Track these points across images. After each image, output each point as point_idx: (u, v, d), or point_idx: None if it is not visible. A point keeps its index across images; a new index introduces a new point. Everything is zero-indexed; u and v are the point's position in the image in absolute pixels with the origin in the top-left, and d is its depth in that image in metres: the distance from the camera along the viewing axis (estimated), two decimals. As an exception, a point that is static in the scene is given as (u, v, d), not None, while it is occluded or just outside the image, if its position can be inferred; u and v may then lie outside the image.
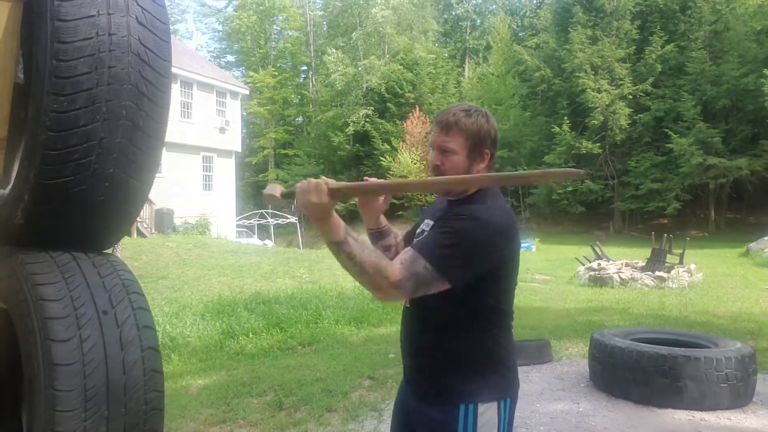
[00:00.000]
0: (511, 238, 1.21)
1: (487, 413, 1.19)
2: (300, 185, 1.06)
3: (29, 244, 1.22)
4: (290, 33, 37.76)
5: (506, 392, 1.23)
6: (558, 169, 1.02)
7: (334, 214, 1.09)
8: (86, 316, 1.10)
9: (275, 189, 1.12)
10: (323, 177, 1.09)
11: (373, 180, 1.24)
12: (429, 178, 1.21)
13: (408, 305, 1.28)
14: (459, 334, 1.21)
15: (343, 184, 1.10)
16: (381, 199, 1.36)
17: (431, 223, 1.29)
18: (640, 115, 22.37)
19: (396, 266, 1.09)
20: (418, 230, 1.35)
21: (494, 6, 39.30)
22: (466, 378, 1.20)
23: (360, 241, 1.10)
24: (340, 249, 1.08)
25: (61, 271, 1.15)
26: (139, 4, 1.14)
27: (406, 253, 1.13)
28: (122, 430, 1.12)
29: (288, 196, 1.12)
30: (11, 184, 1.22)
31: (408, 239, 1.40)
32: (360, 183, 1.15)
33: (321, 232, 1.09)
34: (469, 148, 1.22)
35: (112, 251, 1.38)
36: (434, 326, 1.23)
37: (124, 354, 1.12)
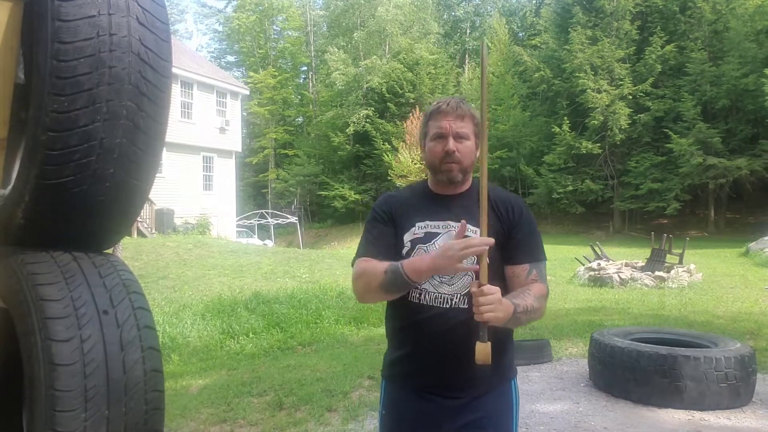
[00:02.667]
0: None
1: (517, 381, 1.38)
2: (491, 317, 1.11)
3: (30, 244, 1.22)
4: (290, 33, 37.75)
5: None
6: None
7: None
8: (87, 316, 1.10)
9: (486, 357, 1.13)
10: (484, 287, 1.11)
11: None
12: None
13: (463, 306, 1.23)
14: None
15: (484, 268, 1.13)
16: None
17: (450, 225, 1.26)
18: (639, 116, 22.37)
19: (539, 284, 1.26)
20: (416, 234, 1.28)
21: (492, 7, 39.30)
22: (511, 356, 1.35)
23: (514, 295, 1.21)
24: (517, 315, 1.17)
25: (62, 271, 1.15)
26: (139, 5, 1.14)
27: (539, 264, 1.29)
28: (123, 430, 1.12)
29: (485, 336, 1.14)
30: (12, 184, 1.23)
31: (388, 250, 1.29)
32: (484, 222, 1.16)
33: (503, 321, 1.15)
34: (475, 134, 1.31)
35: (113, 251, 1.38)
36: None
37: (124, 354, 1.12)
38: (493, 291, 1.11)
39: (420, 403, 1.28)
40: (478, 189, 1.27)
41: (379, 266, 1.23)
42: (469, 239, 1.15)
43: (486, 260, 1.14)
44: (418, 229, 1.29)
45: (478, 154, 1.31)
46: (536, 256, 1.30)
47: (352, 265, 1.33)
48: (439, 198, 1.33)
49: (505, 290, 1.26)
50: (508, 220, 1.29)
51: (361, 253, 1.32)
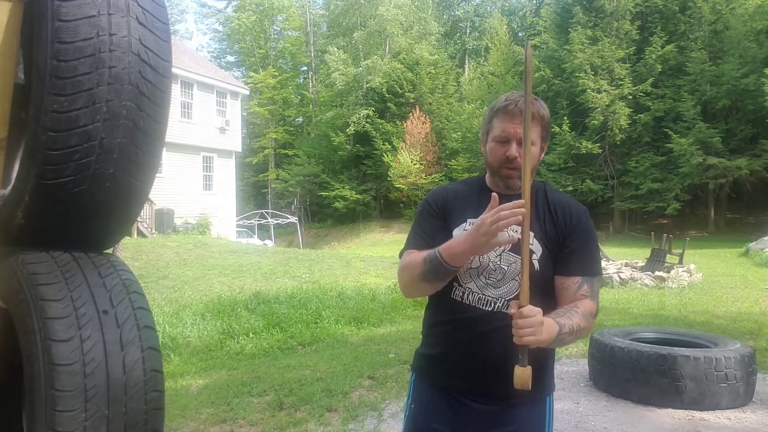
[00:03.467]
0: None
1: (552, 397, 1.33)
2: (532, 341, 1.05)
3: (29, 244, 1.22)
4: (290, 33, 37.74)
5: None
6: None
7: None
8: (86, 315, 1.10)
9: (526, 383, 1.08)
10: (531, 308, 1.06)
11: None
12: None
13: (506, 311, 1.16)
14: None
15: (525, 289, 1.07)
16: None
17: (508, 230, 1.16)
18: (639, 116, 22.38)
19: (589, 302, 1.19)
20: (466, 231, 1.20)
21: (492, 7, 39.30)
22: (550, 370, 1.30)
23: (557, 314, 1.14)
24: (560, 336, 1.11)
25: (62, 271, 1.15)
26: (139, 5, 1.14)
27: (591, 280, 1.21)
28: (123, 430, 1.11)
29: (525, 360, 1.08)
30: (11, 184, 1.23)
31: (437, 242, 1.22)
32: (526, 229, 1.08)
33: (545, 343, 1.09)
34: (542, 138, 1.23)
35: (113, 251, 1.38)
36: None
37: (124, 354, 1.12)
38: (534, 313, 1.05)
39: (452, 403, 1.24)
40: (539, 191, 1.25)
41: (419, 256, 1.20)
42: (499, 207, 1.07)
43: (527, 279, 1.07)
44: (469, 225, 1.22)
45: (542, 156, 1.26)
46: (590, 269, 1.21)
47: (400, 257, 1.31)
48: (489, 195, 1.22)
49: (553, 301, 1.21)
50: (564, 227, 1.21)
51: (410, 245, 1.28)
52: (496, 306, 1.19)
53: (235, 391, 3.80)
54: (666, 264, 9.63)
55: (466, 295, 1.21)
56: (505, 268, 1.19)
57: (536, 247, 1.21)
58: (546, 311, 1.14)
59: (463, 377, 1.23)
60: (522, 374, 1.07)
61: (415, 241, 1.27)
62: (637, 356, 3.35)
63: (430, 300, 1.31)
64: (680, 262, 9.68)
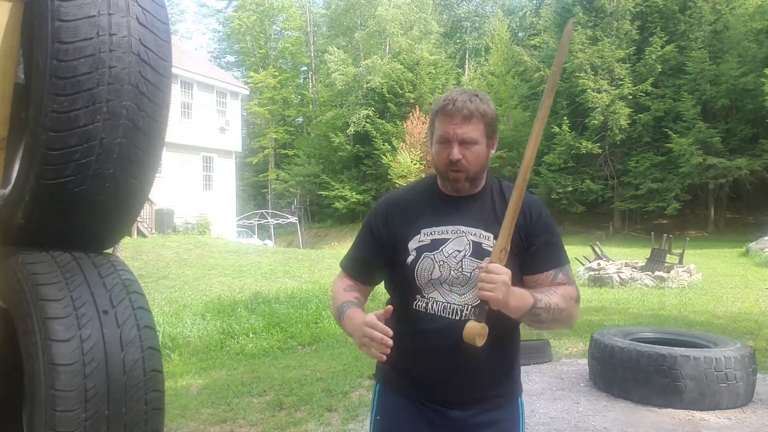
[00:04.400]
0: None
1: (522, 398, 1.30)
2: (490, 296, 1.02)
3: (30, 244, 1.22)
4: (290, 33, 37.74)
5: None
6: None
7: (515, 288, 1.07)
8: (87, 315, 1.10)
9: (478, 339, 1.06)
10: (496, 265, 1.04)
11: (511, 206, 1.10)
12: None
13: (461, 316, 1.14)
14: (517, 332, 1.26)
15: (501, 242, 1.06)
16: None
17: (480, 231, 1.17)
18: (639, 115, 22.39)
19: (569, 287, 1.16)
20: (422, 242, 1.18)
21: (493, 7, 39.32)
22: (517, 373, 1.27)
23: (536, 291, 1.12)
24: (534, 311, 1.09)
25: (62, 271, 1.15)
26: (139, 5, 1.14)
27: (564, 269, 1.18)
28: (123, 430, 1.12)
29: (483, 316, 1.07)
30: (12, 184, 1.23)
31: (371, 265, 1.26)
32: (506, 224, 1.08)
33: (513, 312, 1.07)
34: (487, 135, 1.17)
35: (113, 251, 1.38)
36: (507, 332, 1.20)
37: (124, 354, 1.12)
38: (500, 271, 1.03)
39: (426, 412, 1.20)
40: (494, 189, 1.21)
41: (340, 298, 1.24)
42: (371, 328, 1.06)
43: (502, 239, 1.06)
44: (424, 236, 1.18)
45: (493, 151, 1.20)
46: (560, 260, 1.18)
47: (341, 266, 1.33)
48: (448, 199, 1.20)
49: None
50: (525, 227, 1.17)
51: (345, 264, 1.31)
52: (463, 314, 1.15)
53: (235, 391, 3.80)
54: (666, 264, 9.63)
55: (430, 305, 1.17)
56: (468, 274, 1.15)
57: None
58: (511, 324, 1.17)
59: (435, 387, 1.19)
60: (472, 328, 1.04)
61: (347, 262, 1.31)
62: (637, 356, 3.35)
63: (393, 311, 1.25)
64: (680, 262, 9.68)
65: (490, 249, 1.13)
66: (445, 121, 1.15)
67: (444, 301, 1.16)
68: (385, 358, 1.06)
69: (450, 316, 1.16)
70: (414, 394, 1.21)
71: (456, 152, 1.14)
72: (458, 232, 1.17)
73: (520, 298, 1.07)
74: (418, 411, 1.21)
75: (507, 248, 1.08)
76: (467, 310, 1.14)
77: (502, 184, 1.25)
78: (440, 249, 1.16)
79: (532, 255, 1.17)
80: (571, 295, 1.15)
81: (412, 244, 1.19)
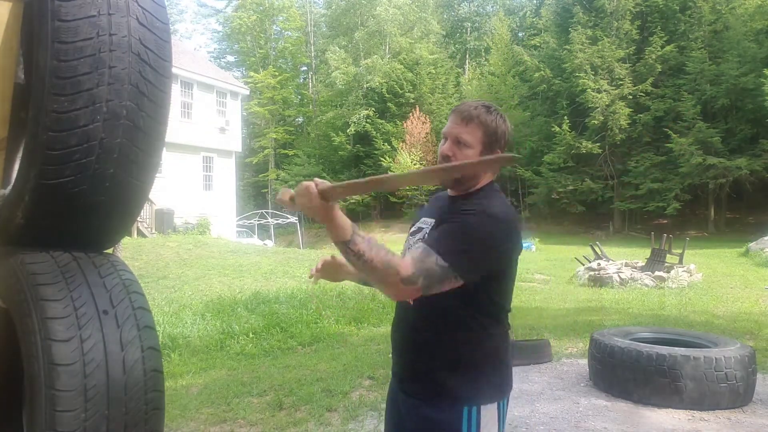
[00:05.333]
0: (518, 234, 1.22)
1: (489, 413, 1.19)
2: (296, 189, 1.04)
3: (30, 244, 1.22)
4: (290, 33, 37.74)
5: (505, 391, 1.23)
6: (491, 157, 1.15)
7: (339, 213, 1.03)
8: (87, 315, 1.10)
9: (285, 194, 1.11)
10: (317, 178, 1.06)
11: (369, 178, 1.12)
12: (413, 171, 1.23)
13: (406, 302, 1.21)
14: (464, 333, 1.18)
15: (337, 184, 1.03)
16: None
17: (431, 221, 1.27)
18: (639, 115, 22.40)
19: (407, 261, 1.05)
20: (413, 228, 1.32)
21: (494, 7, 39.32)
22: (470, 378, 1.18)
23: (369, 239, 1.05)
24: (347, 249, 1.04)
25: (62, 271, 1.15)
26: (139, 5, 1.14)
27: (417, 249, 1.11)
28: (123, 429, 1.12)
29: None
30: (12, 185, 1.23)
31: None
32: (354, 181, 1.05)
33: (327, 232, 1.06)
34: (484, 144, 1.20)
35: (113, 251, 1.38)
36: (438, 324, 1.19)
37: (124, 354, 1.12)
38: (310, 183, 1.01)
39: (397, 396, 1.30)
40: (478, 193, 1.23)
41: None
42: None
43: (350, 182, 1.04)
44: (418, 223, 1.32)
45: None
46: (434, 244, 1.09)
47: None
48: (448, 198, 1.29)
49: (440, 301, 1.13)
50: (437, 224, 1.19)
51: None
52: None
53: (235, 391, 3.80)
54: (666, 264, 9.64)
55: None
56: (407, 251, 1.21)
57: (425, 232, 1.26)
58: (431, 307, 1.16)
59: (394, 363, 1.31)
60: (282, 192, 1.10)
61: None
62: (637, 356, 3.34)
63: None
64: (680, 262, 9.68)
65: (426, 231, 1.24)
66: (449, 119, 1.24)
67: None
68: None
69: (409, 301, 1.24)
70: (392, 372, 1.34)
71: (446, 147, 1.21)
72: (426, 222, 1.29)
73: (342, 223, 1.03)
74: (395, 395, 1.31)
75: (338, 188, 1.02)
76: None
77: (481, 194, 1.24)
78: (414, 236, 1.29)
79: (416, 232, 1.27)
80: (396, 265, 1.03)
81: (410, 230, 1.34)
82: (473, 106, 1.22)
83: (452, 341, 1.19)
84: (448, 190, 1.28)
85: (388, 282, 1.05)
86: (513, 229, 1.19)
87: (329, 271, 1.42)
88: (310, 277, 1.43)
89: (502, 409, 1.21)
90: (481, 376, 1.18)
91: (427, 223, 1.29)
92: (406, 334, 1.25)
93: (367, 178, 1.04)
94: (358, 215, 29.75)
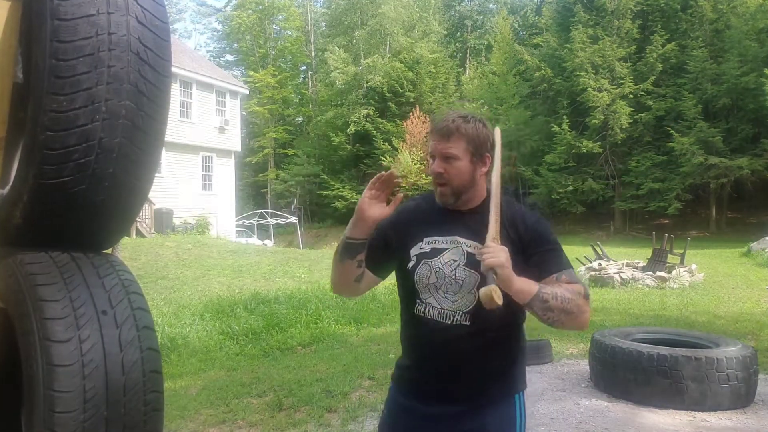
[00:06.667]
0: None
1: (525, 398, 1.32)
2: (492, 261, 1.10)
3: (28, 244, 1.21)
4: (290, 32, 37.73)
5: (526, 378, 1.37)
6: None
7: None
8: (85, 316, 1.10)
9: (493, 299, 1.10)
10: (487, 242, 1.14)
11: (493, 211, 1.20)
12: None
13: (464, 323, 1.22)
14: (514, 333, 1.30)
15: (491, 231, 1.16)
16: (386, 204, 1.30)
17: (462, 240, 1.24)
18: (640, 115, 22.38)
19: (575, 284, 1.19)
20: (428, 248, 1.26)
21: (495, 5, 39.31)
22: (517, 371, 1.31)
23: (552, 289, 1.16)
24: (539, 296, 1.13)
25: (60, 272, 1.14)
26: (138, 3, 1.14)
27: (560, 273, 1.20)
28: (121, 430, 1.11)
29: (492, 281, 1.13)
30: (10, 184, 1.22)
31: (372, 252, 1.27)
32: (494, 216, 1.18)
33: (517, 291, 1.13)
34: (471, 153, 1.24)
35: (112, 251, 1.37)
36: (500, 329, 1.25)
37: (123, 355, 1.11)
38: (500, 247, 1.13)
39: (420, 407, 1.29)
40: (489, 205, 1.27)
41: None
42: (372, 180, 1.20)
43: (493, 232, 1.16)
44: (426, 244, 1.27)
45: (485, 169, 1.25)
46: (561, 265, 1.22)
47: None
48: (449, 213, 1.29)
49: (518, 316, 1.27)
50: (520, 241, 1.23)
51: None
52: (455, 319, 1.23)
53: (234, 391, 3.80)
54: (667, 264, 9.62)
55: (426, 310, 1.26)
56: (461, 282, 1.23)
57: None
58: (508, 327, 1.25)
59: (431, 386, 1.28)
60: (486, 292, 1.09)
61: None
62: (638, 357, 3.34)
63: (401, 315, 1.37)
64: (681, 262, 9.67)
65: None
66: (431, 138, 1.27)
67: (439, 306, 1.25)
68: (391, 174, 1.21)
69: (443, 321, 1.24)
70: (412, 393, 1.31)
71: (437, 165, 1.24)
72: (455, 242, 1.25)
73: (525, 281, 1.13)
74: (414, 410, 1.29)
75: (497, 238, 1.16)
76: (459, 315, 1.23)
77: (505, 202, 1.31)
78: (438, 257, 1.25)
79: (533, 266, 1.22)
80: (578, 289, 1.17)
81: (414, 251, 1.28)
82: (450, 120, 1.24)
83: (513, 342, 1.30)
84: (446, 204, 1.27)
85: (586, 308, 1.17)
86: None
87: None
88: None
89: (523, 396, 1.35)
90: (522, 366, 1.32)
91: (445, 242, 1.25)
92: (468, 357, 1.25)
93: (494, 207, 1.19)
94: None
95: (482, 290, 1.10)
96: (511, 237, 1.22)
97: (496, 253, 1.11)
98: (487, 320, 1.19)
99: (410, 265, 1.27)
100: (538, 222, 1.27)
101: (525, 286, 1.12)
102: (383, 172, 1.24)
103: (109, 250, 1.35)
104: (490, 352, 1.25)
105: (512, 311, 1.20)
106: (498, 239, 1.16)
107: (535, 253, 1.22)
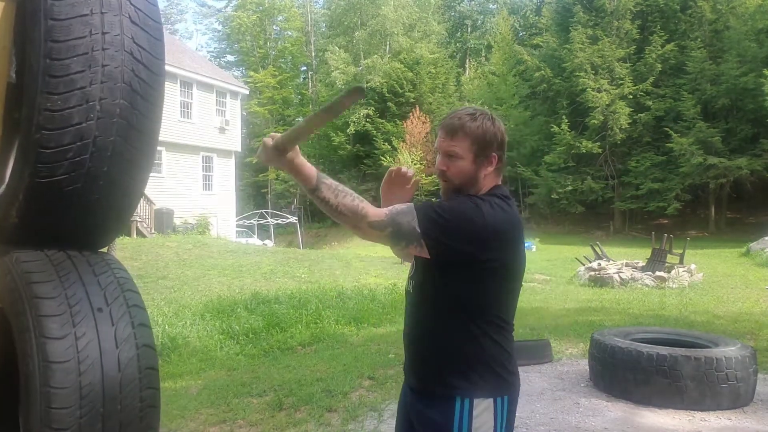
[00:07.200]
0: (507, 242, 1.21)
1: (482, 409, 1.19)
2: (258, 148, 1.14)
3: (24, 242, 1.22)
4: (290, 33, 37.76)
5: (504, 391, 1.23)
6: (340, 98, 1.10)
7: (302, 162, 1.15)
8: (81, 313, 1.10)
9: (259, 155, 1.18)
10: (273, 133, 1.15)
11: (306, 118, 1.18)
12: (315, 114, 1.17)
13: (411, 290, 1.29)
14: (458, 333, 1.21)
15: (284, 133, 1.14)
16: (407, 187, 1.39)
17: None
18: (640, 115, 22.39)
19: (382, 210, 1.16)
20: None
21: (495, 6, 39.32)
22: (463, 375, 1.20)
23: (335, 186, 1.15)
24: (315, 196, 1.16)
25: (56, 269, 1.15)
26: (132, 3, 1.15)
27: (401, 204, 1.19)
28: (118, 427, 1.11)
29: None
30: (5, 183, 1.23)
31: None
32: (296, 126, 1.16)
33: (297, 183, 1.16)
34: (475, 153, 1.22)
35: (108, 250, 1.38)
36: (435, 316, 1.23)
37: (119, 351, 1.11)
38: (264, 139, 1.14)
39: (404, 395, 1.35)
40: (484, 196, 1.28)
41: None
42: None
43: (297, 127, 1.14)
44: None
45: (490, 169, 1.23)
46: (417, 206, 1.17)
47: None
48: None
49: (462, 316, 1.20)
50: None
51: None
52: (410, 286, 1.30)
53: (234, 391, 3.80)
54: (666, 264, 9.63)
55: (407, 283, 1.34)
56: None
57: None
58: (447, 314, 1.20)
59: (405, 365, 1.33)
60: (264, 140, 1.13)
61: None
62: (637, 356, 3.34)
63: None
64: (681, 262, 9.67)
65: None
66: (438, 134, 1.28)
67: (408, 276, 1.32)
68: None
69: (408, 289, 1.31)
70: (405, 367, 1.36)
71: (440, 162, 1.26)
72: None
73: (307, 172, 1.17)
74: (405, 392, 1.35)
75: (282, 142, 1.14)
76: (410, 286, 1.30)
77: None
78: None
79: None
80: (362, 210, 1.14)
81: None
82: (457, 117, 1.23)
83: (447, 337, 1.22)
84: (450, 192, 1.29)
85: (357, 226, 1.16)
86: (501, 235, 1.18)
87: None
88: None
89: (501, 408, 1.21)
90: (474, 374, 1.21)
91: None
92: (412, 324, 1.30)
93: (306, 119, 1.15)
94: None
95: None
96: None
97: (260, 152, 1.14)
98: (422, 292, 1.23)
99: None
100: (461, 198, 1.21)
101: (303, 178, 1.17)
102: (402, 168, 1.35)
103: (105, 249, 1.35)
104: (429, 333, 1.23)
105: (448, 295, 1.19)
106: (278, 140, 1.13)
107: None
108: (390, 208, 1.17)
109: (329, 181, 1.16)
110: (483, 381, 1.20)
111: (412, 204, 1.19)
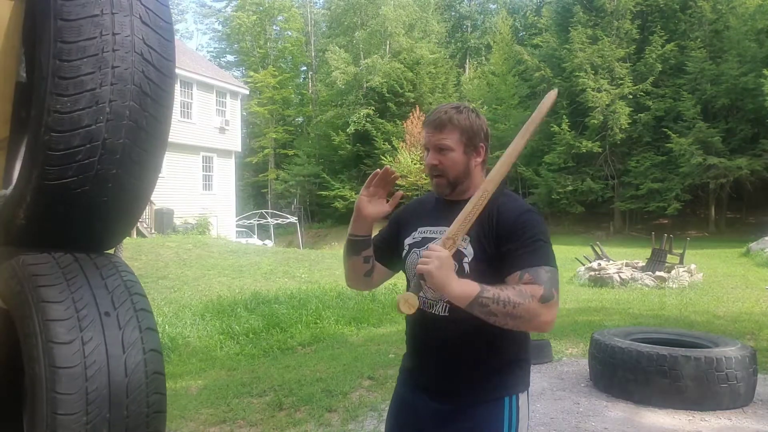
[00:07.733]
0: None
1: (522, 402, 1.28)
2: (422, 268, 1.07)
3: (31, 245, 1.21)
4: (290, 33, 37.71)
5: (528, 383, 1.33)
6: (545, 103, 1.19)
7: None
8: (88, 318, 1.09)
9: (399, 308, 1.11)
10: (431, 245, 1.14)
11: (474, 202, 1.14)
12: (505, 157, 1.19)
13: (446, 312, 1.22)
14: (507, 333, 1.21)
15: (449, 231, 1.12)
16: (385, 201, 1.31)
17: (437, 229, 1.27)
18: (640, 115, 22.41)
19: (529, 286, 1.11)
20: (413, 240, 1.30)
21: (495, 5, 39.32)
22: (509, 372, 1.27)
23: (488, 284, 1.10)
24: (480, 299, 1.08)
25: (63, 273, 1.14)
26: (142, 4, 1.14)
27: (524, 271, 1.13)
28: (124, 432, 1.11)
29: (417, 289, 1.14)
30: (13, 185, 1.22)
31: (381, 247, 1.36)
32: (463, 215, 1.12)
33: (455, 295, 1.08)
34: (464, 143, 1.25)
35: (115, 252, 1.37)
36: (482, 328, 1.19)
37: (126, 356, 1.11)
38: (439, 251, 1.09)
39: (416, 401, 1.31)
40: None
41: None
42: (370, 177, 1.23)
43: (455, 227, 1.12)
44: (418, 233, 1.31)
45: (479, 159, 1.26)
46: (531, 262, 1.14)
47: None
48: (444, 204, 1.30)
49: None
50: (497, 228, 1.19)
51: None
52: (436, 308, 1.24)
53: (234, 391, 3.79)
54: (666, 264, 9.63)
55: (421, 300, 1.28)
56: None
57: (468, 251, 1.21)
58: (478, 331, 1.18)
59: (419, 376, 1.31)
60: (398, 296, 1.13)
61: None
62: (637, 356, 3.34)
63: None
64: (681, 262, 9.68)
65: (462, 250, 1.20)
66: (424, 131, 1.28)
67: (424, 296, 1.25)
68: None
69: (428, 310, 1.25)
70: (408, 384, 1.34)
71: (431, 157, 1.25)
72: (443, 231, 1.22)
73: (465, 283, 1.09)
74: (412, 401, 1.31)
75: (456, 240, 1.13)
76: (440, 305, 1.23)
77: (497, 193, 1.26)
78: (426, 246, 1.24)
79: (501, 259, 1.19)
80: (534, 292, 1.09)
81: (408, 241, 1.33)
82: (442, 111, 1.24)
83: (498, 340, 1.24)
84: (443, 195, 1.30)
85: (540, 313, 1.10)
86: None
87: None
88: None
89: (528, 399, 1.33)
90: (517, 369, 1.29)
91: (435, 232, 1.27)
92: (447, 342, 1.24)
93: (472, 204, 1.13)
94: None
95: (400, 295, 1.13)
96: (484, 231, 1.19)
97: (430, 259, 1.07)
98: (466, 311, 1.14)
99: (404, 253, 1.31)
100: (519, 216, 1.19)
101: (461, 290, 1.08)
102: (378, 170, 1.27)
103: (111, 251, 1.35)
104: (470, 346, 1.22)
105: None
106: (454, 241, 1.11)
107: (506, 249, 1.17)
108: (526, 281, 1.11)
109: (485, 284, 1.10)
110: (523, 373, 1.30)
111: (522, 267, 1.14)
